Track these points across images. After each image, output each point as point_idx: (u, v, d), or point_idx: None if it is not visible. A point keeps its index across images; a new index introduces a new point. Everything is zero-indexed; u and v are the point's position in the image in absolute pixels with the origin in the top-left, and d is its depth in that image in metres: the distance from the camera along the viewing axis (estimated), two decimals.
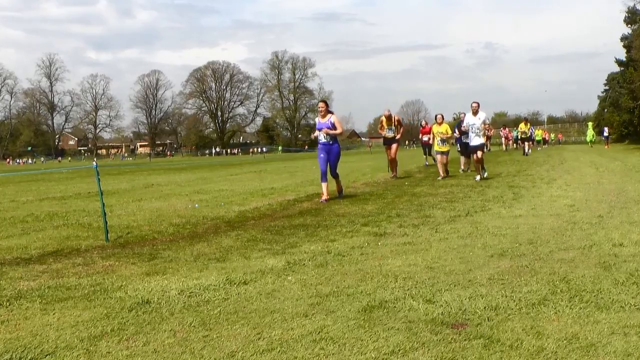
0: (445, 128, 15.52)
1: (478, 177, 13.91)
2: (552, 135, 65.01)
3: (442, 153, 15.23)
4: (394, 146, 15.62)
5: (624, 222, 7.01)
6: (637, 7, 44.94)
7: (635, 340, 3.16)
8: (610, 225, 6.88)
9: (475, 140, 13.93)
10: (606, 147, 40.74)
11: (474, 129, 13.81)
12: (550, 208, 8.55)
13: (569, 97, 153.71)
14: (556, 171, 16.51)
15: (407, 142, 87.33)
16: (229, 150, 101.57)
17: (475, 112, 13.87)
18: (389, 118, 15.73)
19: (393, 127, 15.68)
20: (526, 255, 5.35)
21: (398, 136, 15.80)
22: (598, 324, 3.43)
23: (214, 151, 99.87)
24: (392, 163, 15.96)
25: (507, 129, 42.02)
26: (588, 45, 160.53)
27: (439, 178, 14.64)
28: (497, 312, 3.72)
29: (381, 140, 17.12)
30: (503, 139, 39.48)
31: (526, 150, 28.72)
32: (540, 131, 45.26)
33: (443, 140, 15.30)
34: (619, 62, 52.62)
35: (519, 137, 31.83)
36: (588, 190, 10.83)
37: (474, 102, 13.99)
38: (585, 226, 6.85)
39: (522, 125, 30.42)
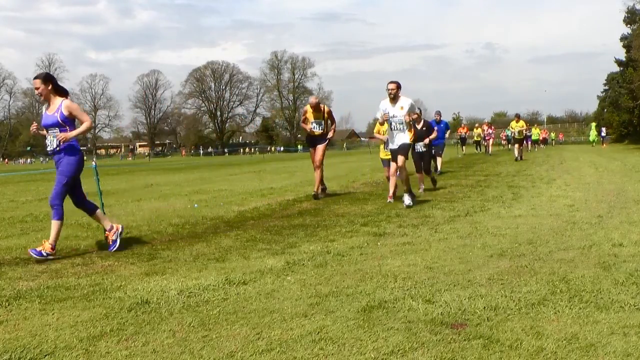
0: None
1: (407, 200, 9.24)
2: (553, 135, 64.85)
3: (389, 162, 10.29)
4: (321, 148, 11.14)
5: (623, 222, 7.01)
6: (637, 7, 45.07)
7: (635, 341, 3.15)
8: (609, 225, 6.88)
9: (398, 139, 9.32)
10: (603, 146, 41.67)
11: (394, 123, 9.26)
12: (550, 208, 8.56)
13: (568, 97, 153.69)
14: (556, 171, 16.52)
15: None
16: (246, 150, 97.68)
17: (394, 99, 9.24)
18: (316, 108, 11.10)
19: (322, 121, 11.15)
20: (526, 256, 5.35)
21: (330, 134, 11.32)
22: (598, 324, 3.42)
23: (201, 151, 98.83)
24: (317, 171, 11.18)
25: (492, 127, 34.97)
26: (588, 45, 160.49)
27: (389, 200, 9.91)
28: (497, 312, 3.72)
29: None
30: (489, 140, 32.92)
31: (516, 154, 23.69)
32: (538, 129, 41.77)
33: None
34: (619, 62, 52.78)
35: (511, 138, 27.26)
36: (588, 190, 10.84)
37: (391, 83, 9.26)
38: (584, 226, 6.85)
39: (512, 124, 24.61)
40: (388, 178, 10.37)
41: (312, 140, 11.32)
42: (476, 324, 3.50)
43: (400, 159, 9.26)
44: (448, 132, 18.82)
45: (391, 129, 9.34)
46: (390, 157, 10.04)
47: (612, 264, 4.89)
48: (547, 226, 6.97)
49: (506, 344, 3.16)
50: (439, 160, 17.16)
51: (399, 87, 9.29)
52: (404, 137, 9.29)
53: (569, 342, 3.16)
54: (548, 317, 3.60)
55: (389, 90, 9.20)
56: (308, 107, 11.22)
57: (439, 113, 18.09)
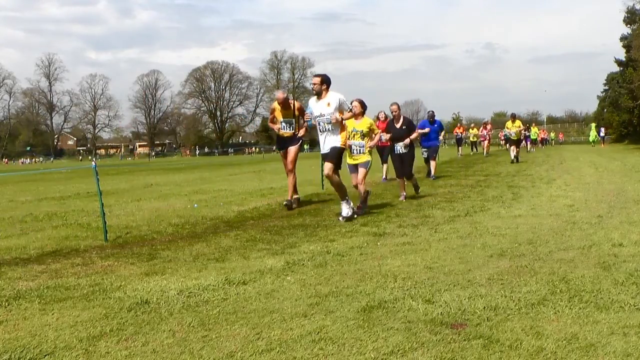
0: (367, 124, 8.94)
1: (345, 210, 8.07)
2: (552, 135, 64.71)
3: (357, 167, 8.94)
4: (293, 150, 9.75)
5: (623, 222, 7.01)
6: (637, 7, 45.08)
7: (635, 341, 3.15)
8: (609, 225, 6.88)
9: (327, 142, 8.09)
10: (602, 145, 43.00)
11: (322, 123, 8.01)
12: (550, 208, 8.56)
13: (568, 97, 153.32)
14: (555, 171, 16.52)
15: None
16: (251, 150, 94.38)
17: (319, 95, 8.02)
18: (284, 104, 9.71)
19: (292, 120, 9.72)
20: (525, 256, 5.35)
21: (300, 133, 9.78)
22: (597, 324, 3.42)
23: (197, 152, 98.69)
24: (290, 177, 9.87)
25: (487, 128, 31.16)
26: (588, 45, 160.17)
27: (341, 217, 8.09)
28: (497, 312, 3.72)
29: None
30: (485, 142, 29.96)
31: (512, 156, 21.40)
32: (536, 128, 40.53)
33: (360, 147, 8.86)
34: (619, 62, 52.80)
35: (508, 139, 23.73)
36: (587, 190, 10.84)
37: (315, 77, 8.16)
38: (584, 226, 6.85)
39: (508, 124, 22.44)
40: (355, 186, 8.98)
41: (282, 142, 9.91)
42: (476, 324, 3.50)
43: (328, 166, 8.02)
44: (443, 133, 16.84)
45: (319, 130, 8.09)
46: (357, 162, 8.92)
47: (612, 264, 4.89)
48: (547, 226, 6.96)
49: (506, 344, 3.16)
50: (432, 164, 15.49)
51: (323, 81, 7.99)
52: (334, 140, 8.06)
53: (569, 342, 3.16)
54: (548, 317, 3.60)
55: (313, 83, 8.07)
56: (276, 104, 9.84)
57: (432, 114, 16.14)
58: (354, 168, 8.89)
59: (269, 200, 11.00)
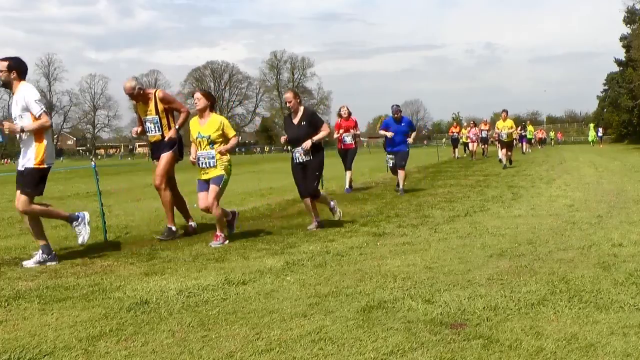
0: (215, 127, 6.63)
1: (36, 258, 5.67)
2: (552, 134, 64.58)
3: (208, 184, 6.66)
4: (162, 159, 7.26)
5: (623, 222, 7.01)
6: (637, 7, 45.15)
7: (635, 341, 3.15)
8: (609, 225, 6.88)
9: (21, 157, 6.01)
10: (600, 145, 43.63)
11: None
12: (550, 208, 8.56)
13: (568, 97, 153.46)
14: (555, 171, 16.53)
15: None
16: (264, 149, 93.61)
17: (9, 85, 5.75)
18: (140, 98, 7.18)
19: (157, 118, 7.19)
20: (525, 256, 5.35)
21: (171, 133, 7.20)
22: (597, 324, 3.42)
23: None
24: (161, 195, 7.34)
25: (477, 127, 27.69)
26: (588, 45, 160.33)
27: (216, 242, 6.51)
28: (496, 312, 3.72)
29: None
30: (470, 143, 27.36)
31: (504, 159, 18.68)
32: (532, 128, 39.24)
33: (210, 159, 6.62)
34: (618, 62, 52.93)
35: (500, 139, 19.35)
36: (587, 190, 10.84)
37: (1, 60, 5.70)
38: (584, 226, 6.85)
39: (499, 124, 19.40)
40: (206, 210, 6.73)
41: (153, 149, 7.58)
42: (476, 324, 3.50)
43: (20, 199, 5.96)
44: (414, 134, 12.20)
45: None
46: (206, 176, 6.62)
47: (612, 264, 4.89)
48: (546, 226, 6.96)
49: (506, 344, 3.16)
50: (401, 174, 11.67)
51: (11, 67, 5.63)
52: (27, 156, 5.86)
53: (568, 342, 3.16)
54: (548, 317, 3.60)
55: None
56: (134, 102, 7.53)
57: (397, 109, 11.88)
58: (204, 185, 6.63)
59: (268, 200, 10.99)
